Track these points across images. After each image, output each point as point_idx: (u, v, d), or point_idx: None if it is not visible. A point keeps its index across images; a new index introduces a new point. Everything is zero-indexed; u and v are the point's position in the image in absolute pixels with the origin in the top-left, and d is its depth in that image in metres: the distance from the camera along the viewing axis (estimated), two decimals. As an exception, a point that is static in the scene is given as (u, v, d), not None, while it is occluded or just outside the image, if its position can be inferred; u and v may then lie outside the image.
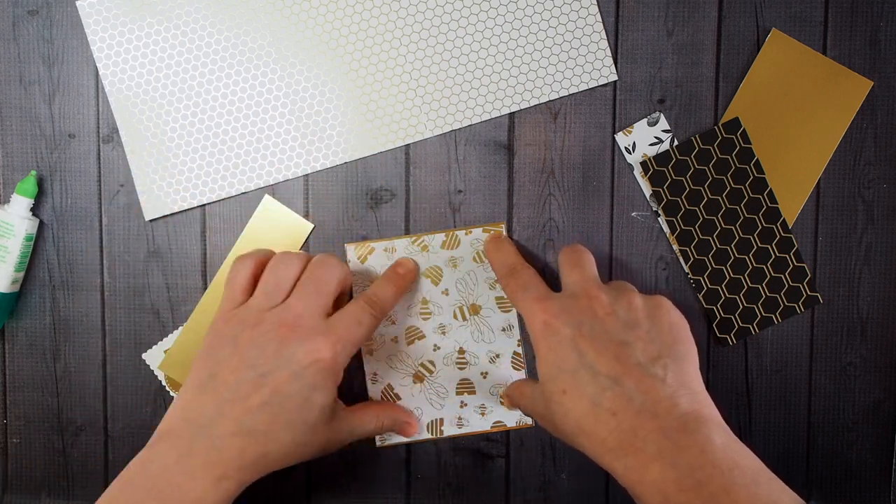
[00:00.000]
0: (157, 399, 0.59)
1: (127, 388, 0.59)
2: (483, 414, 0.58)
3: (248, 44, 0.57)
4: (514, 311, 0.58)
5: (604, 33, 0.57)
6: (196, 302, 0.58)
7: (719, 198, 0.57)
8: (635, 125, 0.58)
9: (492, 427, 0.58)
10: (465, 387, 0.58)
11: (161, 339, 0.58)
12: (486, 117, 0.58)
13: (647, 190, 0.58)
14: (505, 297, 0.57)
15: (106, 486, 0.59)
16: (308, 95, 0.57)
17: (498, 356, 0.58)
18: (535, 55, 0.57)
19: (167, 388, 0.59)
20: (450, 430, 0.58)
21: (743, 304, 0.58)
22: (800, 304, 0.58)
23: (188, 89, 0.57)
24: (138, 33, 0.57)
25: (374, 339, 0.58)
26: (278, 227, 0.58)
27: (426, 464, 0.59)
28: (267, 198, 0.58)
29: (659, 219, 0.58)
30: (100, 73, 0.57)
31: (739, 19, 0.58)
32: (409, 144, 0.58)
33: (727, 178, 0.57)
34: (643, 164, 0.58)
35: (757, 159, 0.57)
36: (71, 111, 0.58)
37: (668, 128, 0.58)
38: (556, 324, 0.46)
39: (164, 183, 0.58)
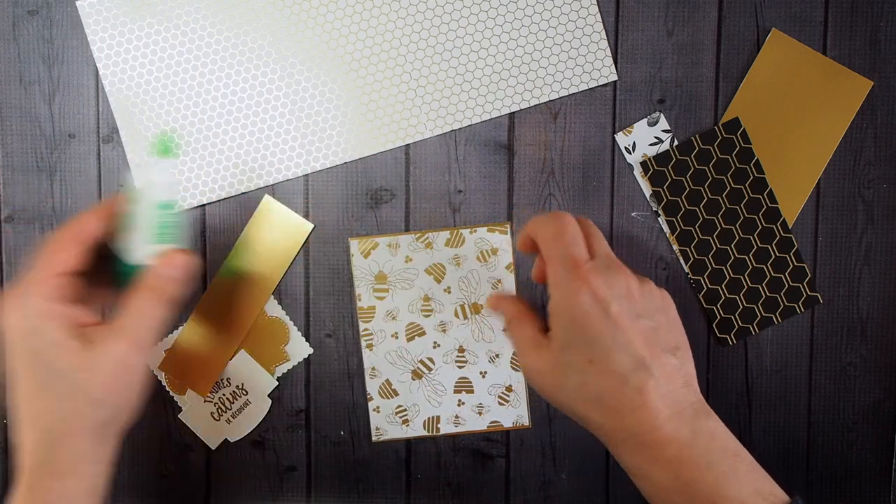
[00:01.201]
0: (157, 399, 0.59)
1: (127, 388, 0.59)
2: (480, 413, 0.58)
3: (248, 44, 0.57)
4: None
5: (604, 33, 0.57)
6: (196, 302, 0.58)
7: (719, 198, 0.57)
8: (635, 125, 0.58)
9: (488, 427, 0.58)
10: (464, 385, 0.58)
11: (161, 339, 0.58)
12: (486, 117, 0.58)
13: (647, 190, 0.58)
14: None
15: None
16: (308, 95, 0.57)
17: (498, 356, 0.58)
18: (535, 55, 0.57)
19: (167, 388, 0.58)
20: (446, 429, 0.58)
21: (743, 304, 0.58)
22: (800, 304, 0.58)
23: (188, 89, 0.57)
24: (138, 33, 0.57)
25: (374, 334, 0.58)
26: (278, 227, 0.58)
27: (426, 464, 0.59)
28: (267, 198, 0.58)
29: (659, 219, 0.58)
30: (100, 73, 0.57)
31: (739, 19, 0.58)
32: (409, 144, 0.58)
33: (727, 178, 0.57)
34: (643, 164, 0.58)
35: (757, 159, 0.57)
36: (71, 111, 0.58)
37: (668, 128, 0.58)
38: (603, 296, 0.44)
39: (164, 183, 0.58)
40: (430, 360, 0.58)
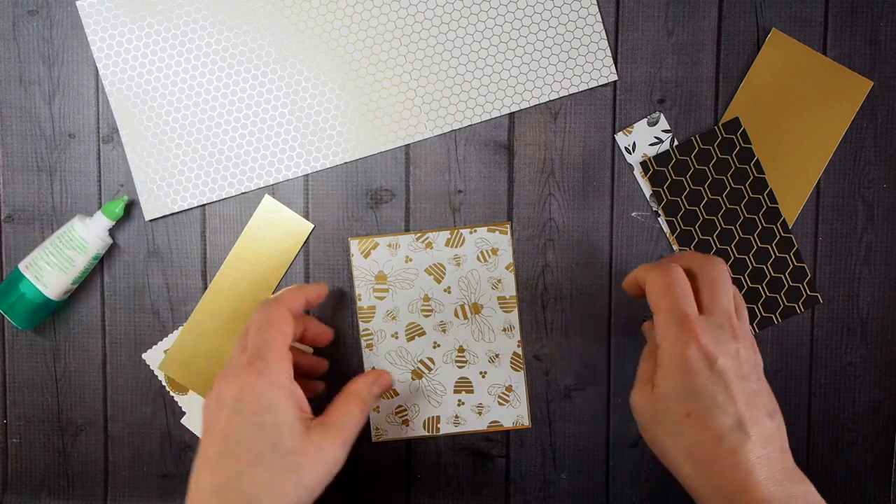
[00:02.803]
0: (157, 399, 0.59)
1: (127, 388, 0.59)
2: (480, 413, 0.58)
3: (248, 44, 0.57)
4: (516, 311, 0.58)
5: (604, 33, 0.57)
6: (196, 302, 0.58)
7: (719, 198, 0.57)
8: (635, 125, 0.58)
9: (488, 427, 0.58)
10: (464, 385, 0.58)
11: (161, 339, 0.58)
12: (486, 117, 0.58)
13: (647, 190, 0.58)
14: (507, 297, 0.58)
15: (106, 486, 0.59)
16: (308, 95, 0.57)
17: (497, 356, 0.58)
18: (535, 55, 0.57)
19: (167, 388, 0.59)
20: (446, 429, 0.58)
21: (743, 304, 0.58)
22: (800, 304, 0.58)
23: (188, 89, 0.57)
24: (138, 33, 0.57)
25: (374, 334, 0.58)
26: (278, 228, 0.58)
27: (426, 464, 0.59)
28: (267, 198, 0.58)
29: (659, 219, 0.58)
30: (100, 73, 0.57)
31: (739, 19, 0.58)
32: (409, 144, 0.58)
33: (727, 178, 0.57)
34: (643, 164, 0.58)
35: (757, 159, 0.57)
36: (71, 111, 0.58)
37: (668, 128, 0.58)
38: (710, 352, 0.45)
39: (164, 183, 0.58)
40: (430, 359, 0.58)
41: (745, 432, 0.44)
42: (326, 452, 0.47)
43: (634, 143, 0.58)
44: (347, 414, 0.49)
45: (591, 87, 0.58)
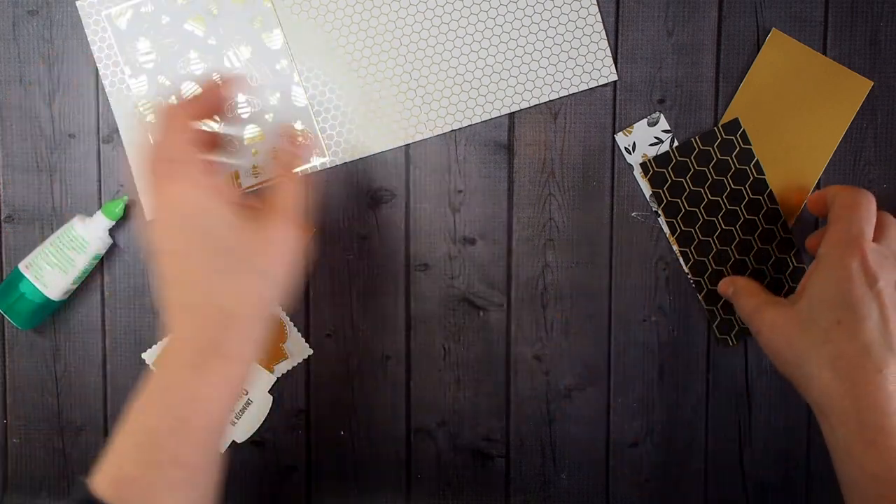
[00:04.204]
0: (157, 399, 0.59)
1: (127, 388, 0.59)
2: (275, 157, 0.53)
3: (248, 44, 0.57)
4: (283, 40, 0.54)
5: (604, 33, 0.57)
6: (196, 302, 0.58)
7: (719, 199, 0.57)
8: (635, 125, 0.58)
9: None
10: (254, 138, 0.56)
11: (161, 339, 0.58)
12: (486, 117, 0.58)
13: (647, 191, 0.58)
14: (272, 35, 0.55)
15: (106, 485, 0.59)
16: (308, 95, 0.57)
17: (278, 94, 0.55)
18: (535, 55, 0.57)
19: (167, 388, 0.59)
20: (246, 181, 0.56)
21: (743, 305, 0.58)
22: (800, 304, 0.58)
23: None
24: (138, 33, 0.57)
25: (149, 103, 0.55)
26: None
27: (426, 464, 0.59)
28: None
29: (659, 220, 0.58)
30: (100, 73, 0.57)
31: (739, 19, 0.58)
32: (409, 144, 0.58)
33: (727, 179, 0.57)
34: (643, 165, 0.57)
35: (757, 160, 0.57)
36: (71, 111, 0.58)
37: (668, 128, 0.58)
38: (874, 270, 0.45)
39: (164, 183, 0.57)
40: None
41: (893, 353, 0.43)
42: (284, 242, 0.45)
43: (634, 143, 0.58)
44: (286, 195, 0.47)
45: (591, 87, 0.58)
